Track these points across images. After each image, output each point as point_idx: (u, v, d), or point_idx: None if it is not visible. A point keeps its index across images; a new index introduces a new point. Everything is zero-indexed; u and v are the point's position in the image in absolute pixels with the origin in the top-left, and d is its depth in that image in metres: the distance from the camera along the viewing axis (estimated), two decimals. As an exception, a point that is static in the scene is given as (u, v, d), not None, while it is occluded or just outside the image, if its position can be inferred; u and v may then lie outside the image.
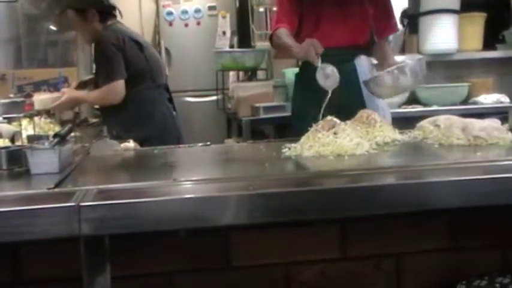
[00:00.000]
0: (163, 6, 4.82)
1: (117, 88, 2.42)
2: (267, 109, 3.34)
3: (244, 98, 3.45)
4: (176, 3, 4.81)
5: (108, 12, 2.57)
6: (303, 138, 1.35)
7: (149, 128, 2.49)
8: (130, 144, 1.67)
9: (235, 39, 4.72)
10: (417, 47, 3.54)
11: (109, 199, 0.90)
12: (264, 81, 3.78)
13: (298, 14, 2.27)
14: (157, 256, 1.17)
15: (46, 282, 1.14)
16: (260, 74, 3.98)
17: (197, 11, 4.81)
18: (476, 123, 1.38)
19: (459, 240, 1.27)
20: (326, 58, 2.01)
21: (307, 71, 2.19)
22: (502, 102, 3.41)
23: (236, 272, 1.20)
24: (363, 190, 0.97)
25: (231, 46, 4.59)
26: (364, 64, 2.26)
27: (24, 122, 2.08)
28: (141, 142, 1.89)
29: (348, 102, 1.88)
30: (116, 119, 2.52)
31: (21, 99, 2.90)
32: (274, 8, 4.16)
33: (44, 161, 1.18)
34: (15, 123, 2.03)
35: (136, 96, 2.49)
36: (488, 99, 3.43)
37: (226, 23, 4.65)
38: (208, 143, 1.74)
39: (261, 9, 4.23)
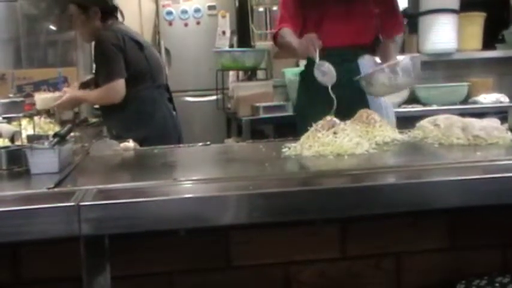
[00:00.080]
0: (163, 6, 4.81)
1: (117, 87, 2.42)
2: (267, 109, 3.34)
3: (244, 98, 3.45)
4: (176, 3, 4.81)
5: (111, 12, 2.57)
6: (303, 138, 1.35)
7: (149, 128, 2.49)
8: (130, 144, 1.67)
9: (235, 38, 4.72)
10: (417, 47, 3.54)
11: (109, 199, 0.90)
12: (263, 81, 3.78)
13: (301, 14, 2.28)
14: (157, 256, 1.17)
15: (46, 282, 1.14)
16: (260, 73, 3.98)
17: (197, 10, 4.81)
18: (476, 123, 1.38)
19: (459, 239, 1.27)
20: (329, 58, 2.03)
21: (311, 69, 2.20)
22: (501, 102, 3.41)
23: (236, 272, 1.20)
24: (362, 190, 0.97)
25: (231, 46, 4.59)
26: (367, 64, 2.25)
27: (24, 121, 2.08)
28: (141, 142, 1.88)
29: (351, 102, 1.87)
30: (116, 118, 2.52)
31: (21, 99, 2.90)
32: (274, 8, 4.17)
33: (44, 161, 1.18)
34: (15, 123, 2.03)
35: (137, 96, 2.49)
36: (488, 98, 3.43)
37: (226, 23, 4.65)
38: (208, 142, 1.74)
39: (261, 9, 4.23)
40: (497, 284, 1.18)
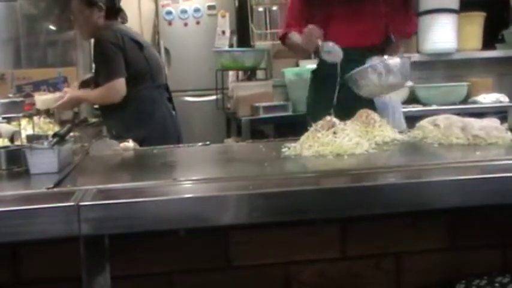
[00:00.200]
0: (163, 5, 4.81)
1: (118, 87, 2.42)
2: (267, 109, 3.34)
3: (243, 98, 3.45)
4: (175, 3, 4.80)
5: (115, 12, 2.56)
6: (303, 138, 1.35)
7: (149, 128, 2.49)
8: (130, 144, 1.66)
9: (235, 38, 4.72)
10: (416, 47, 3.54)
11: (108, 199, 0.90)
12: (263, 80, 3.78)
13: (306, 17, 2.29)
14: (157, 256, 1.17)
15: (45, 282, 1.14)
16: (259, 73, 3.98)
17: (196, 10, 4.81)
18: (475, 123, 1.38)
19: (459, 239, 1.27)
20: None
21: (322, 69, 2.25)
22: (501, 102, 3.41)
23: (236, 272, 1.20)
24: (362, 190, 0.96)
25: (231, 46, 4.59)
26: None
27: (24, 121, 2.08)
28: (140, 142, 1.88)
29: (357, 103, 1.85)
30: (116, 118, 2.52)
31: (21, 99, 2.90)
32: (274, 8, 4.16)
33: (43, 161, 1.18)
34: (14, 123, 2.03)
35: (136, 96, 2.49)
36: (488, 98, 3.43)
37: (225, 23, 4.65)
38: (208, 142, 1.74)
39: (261, 9, 4.22)
40: (497, 284, 1.18)
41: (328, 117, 1.36)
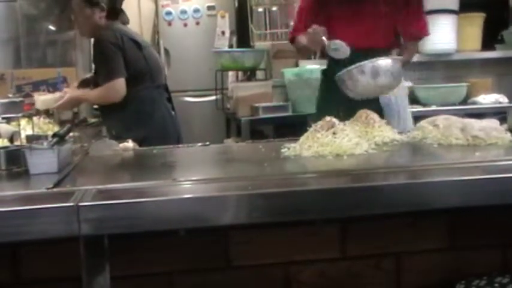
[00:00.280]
0: (162, 6, 4.81)
1: (117, 86, 2.42)
2: (266, 109, 3.34)
3: (243, 98, 3.45)
4: (175, 3, 4.80)
5: (116, 13, 2.56)
6: (302, 138, 1.35)
7: (148, 128, 2.49)
8: (130, 144, 1.66)
9: (235, 39, 4.72)
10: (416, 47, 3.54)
11: (108, 199, 0.90)
12: (263, 81, 3.78)
13: (315, 20, 2.29)
14: (157, 256, 1.16)
15: (45, 282, 1.14)
16: (259, 74, 3.98)
17: (196, 10, 4.81)
18: (475, 123, 1.38)
19: (458, 240, 1.27)
20: (339, 59, 2.07)
21: (331, 69, 2.26)
22: (500, 103, 3.42)
23: (236, 272, 1.20)
24: (362, 190, 0.97)
25: (230, 46, 4.59)
26: None
27: (23, 121, 2.08)
28: (140, 142, 1.88)
29: (363, 105, 1.84)
30: (115, 118, 2.51)
31: (20, 99, 2.90)
32: (274, 8, 4.17)
33: (43, 161, 1.18)
34: (14, 123, 2.03)
35: (136, 96, 2.49)
36: (487, 99, 3.43)
37: (225, 23, 4.65)
38: (208, 143, 1.74)
39: (260, 9, 4.23)
40: (496, 285, 1.18)
41: (327, 118, 1.36)
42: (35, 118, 2.26)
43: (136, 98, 2.49)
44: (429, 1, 3.43)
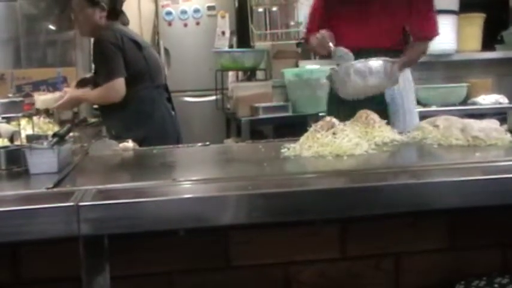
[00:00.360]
0: (163, 6, 4.81)
1: (117, 86, 2.42)
2: (266, 109, 3.34)
3: (243, 98, 3.45)
4: (175, 3, 4.80)
5: (116, 13, 2.57)
6: (302, 139, 1.35)
7: (148, 128, 2.49)
8: (129, 144, 1.66)
9: (235, 39, 4.72)
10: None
11: (108, 199, 0.90)
12: (263, 81, 3.78)
13: (323, 20, 2.35)
14: (156, 256, 1.16)
15: (45, 282, 1.14)
16: (259, 74, 3.98)
17: (196, 11, 4.81)
18: (475, 124, 1.38)
19: (458, 240, 1.27)
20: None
21: None
22: (500, 103, 3.42)
23: (236, 272, 1.20)
24: (362, 190, 0.97)
25: (230, 46, 4.59)
26: None
27: (23, 121, 2.08)
28: (140, 142, 1.88)
29: (367, 106, 1.84)
30: (115, 118, 2.52)
31: (20, 99, 2.90)
32: (274, 8, 4.16)
33: (43, 161, 1.18)
34: (14, 123, 2.03)
35: (136, 96, 2.49)
36: (487, 99, 3.44)
37: (225, 23, 4.65)
38: (207, 143, 1.74)
39: (260, 10, 4.22)
40: (496, 285, 1.18)
41: (327, 118, 1.36)
42: (35, 118, 2.26)
43: (136, 98, 2.49)
44: (429, 1, 3.44)
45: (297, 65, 3.71)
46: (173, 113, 2.68)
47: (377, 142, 1.43)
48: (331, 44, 2.12)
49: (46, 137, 1.37)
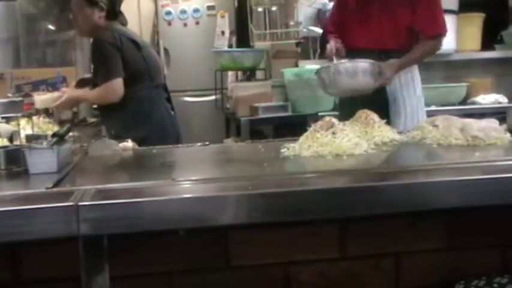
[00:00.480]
0: (162, 5, 4.81)
1: (115, 87, 2.42)
2: (266, 109, 3.34)
3: (242, 98, 3.45)
4: (175, 3, 4.80)
5: (115, 14, 2.57)
6: (302, 138, 1.35)
7: (148, 128, 2.48)
8: (129, 144, 1.66)
9: (234, 39, 4.72)
10: (416, 47, 3.54)
11: (107, 199, 0.90)
12: (262, 81, 3.78)
13: (340, 23, 2.42)
14: (156, 256, 1.16)
15: (45, 282, 1.14)
16: (259, 74, 3.98)
17: (196, 10, 4.81)
18: (474, 124, 1.38)
19: (458, 240, 1.27)
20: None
21: None
22: (500, 103, 3.42)
23: (235, 272, 1.20)
24: (362, 190, 0.97)
25: (230, 46, 4.59)
26: None
27: (23, 121, 2.07)
28: (139, 142, 1.88)
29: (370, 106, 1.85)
30: (115, 118, 2.52)
31: (20, 98, 2.90)
32: (273, 8, 4.17)
33: (43, 161, 1.18)
34: (13, 123, 2.03)
35: (135, 95, 2.49)
36: (487, 99, 3.43)
37: (225, 23, 4.65)
38: (207, 142, 1.74)
39: (260, 9, 4.22)
40: (495, 285, 1.18)
41: (327, 118, 1.36)
42: (34, 118, 2.26)
43: (136, 98, 2.49)
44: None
45: (296, 65, 3.71)
46: (172, 112, 2.68)
47: (376, 142, 1.43)
48: (334, 58, 2.20)
49: (45, 136, 1.37)
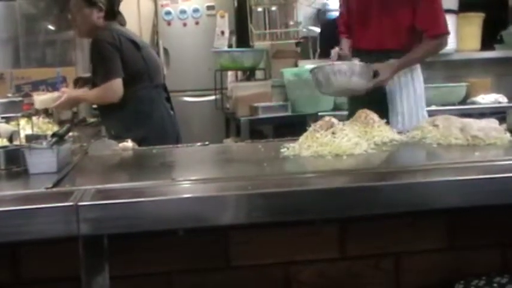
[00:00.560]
0: (162, 5, 4.81)
1: (114, 87, 2.42)
2: (266, 109, 3.34)
3: (242, 98, 3.45)
4: (174, 3, 4.80)
5: (114, 14, 2.56)
6: (302, 138, 1.35)
7: (147, 128, 2.48)
8: (129, 144, 1.66)
9: (234, 39, 4.72)
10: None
11: (107, 199, 0.90)
12: (262, 81, 3.78)
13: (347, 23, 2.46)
14: (156, 256, 1.16)
15: (45, 282, 1.14)
16: (258, 73, 3.98)
17: (195, 10, 4.81)
18: (474, 123, 1.38)
19: (458, 240, 1.27)
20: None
21: None
22: (500, 102, 3.42)
23: (235, 272, 1.20)
24: (362, 190, 0.97)
25: (230, 46, 4.59)
26: None
27: (22, 121, 2.07)
28: (139, 142, 1.88)
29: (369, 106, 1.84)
30: (114, 118, 2.51)
31: (20, 98, 2.90)
32: (273, 8, 4.17)
33: (42, 161, 1.17)
34: (13, 123, 2.03)
35: (134, 96, 2.48)
36: (486, 99, 3.43)
37: (224, 23, 4.65)
38: (207, 142, 1.74)
39: (260, 9, 4.22)
40: (495, 284, 1.18)
41: (327, 118, 1.36)
42: (34, 118, 2.26)
43: (135, 98, 2.49)
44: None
45: (296, 65, 3.71)
46: (172, 112, 2.68)
47: (376, 142, 1.43)
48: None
49: (45, 136, 1.37)
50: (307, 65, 3.54)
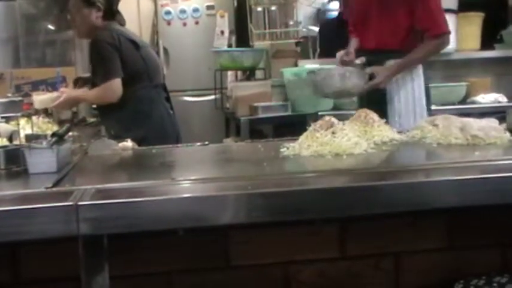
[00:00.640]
0: (162, 5, 4.81)
1: (114, 87, 2.42)
2: (265, 109, 3.34)
3: (242, 98, 3.45)
4: (174, 3, 4.80)
5: (113, 14, 2.56)
6: (301, 138, 1.35)
7: (147, 128, 2.48)
8: (129, 143, 1.66)
9: (234, 38, 4.72)
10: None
11: (107, 198, 0.90)
12: (262, 80, 3.78)
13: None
14: (155, 255, 1.16)
15: (45, 282, 1.14)
16: (258, 73, 3.98)
17: (195, 10, 4.81)
18: (474, 123, 1.38)
19: (458, 239, 1.27)
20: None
21: None
22: (499, 102, 3.42)
23: (235, 272, 1.20)
24: (362, 189, 0.97)
25: (229, 45, 4.59)
26: None
27: (22, 121, 2.07)
28: (139, 142, 1.88)
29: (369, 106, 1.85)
30: (114, 118, 2.51)
31: (19, 98, 2.90)
32: (273, 8, 4.17)
33: (42, 161, 1.17)
34: (13, 123, 2.03)
35: (134, 95, 2.48)
36: (486, 98, 3.44)
37: (224, 23, 4.65)
38: (207, 142, 1.74)
39: (259, 9, 4.22)
40: (495, 284, 1.18)
41: (327, 117, 1.36)
42: (34, 117, 2.26)
43: (135, 98, 2.49)
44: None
45: (296, 65, 3.71)
46: (172, 112, 2.68)
47: (376, 141, 1.43)
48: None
49: (45, 136, 1.37)
50: (307, 65, 3.54)
